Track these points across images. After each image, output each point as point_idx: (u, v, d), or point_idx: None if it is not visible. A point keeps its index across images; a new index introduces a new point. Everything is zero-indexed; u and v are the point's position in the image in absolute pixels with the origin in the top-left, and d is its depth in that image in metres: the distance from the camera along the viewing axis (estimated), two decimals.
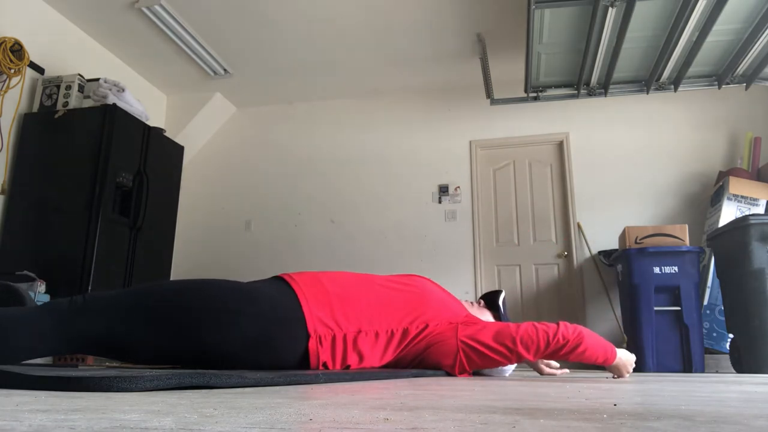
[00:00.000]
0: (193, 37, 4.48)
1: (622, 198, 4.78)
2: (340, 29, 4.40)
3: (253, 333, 1.38)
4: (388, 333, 1.61)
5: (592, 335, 1.71)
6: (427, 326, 1.67)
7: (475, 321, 1.75)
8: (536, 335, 1.64)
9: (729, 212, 4.06)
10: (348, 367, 1.56)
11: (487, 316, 1.98)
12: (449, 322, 1.71)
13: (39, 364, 1.64)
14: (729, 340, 3.62)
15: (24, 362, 1.42)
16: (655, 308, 3.54)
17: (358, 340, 1.55)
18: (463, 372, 1.72)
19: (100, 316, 1.29)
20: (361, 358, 1.57)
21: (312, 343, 1.46)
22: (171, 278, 4.35)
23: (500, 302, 2.01)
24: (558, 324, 1.68)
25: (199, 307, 1.34)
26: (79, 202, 3.64)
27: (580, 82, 4.14)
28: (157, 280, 3.97)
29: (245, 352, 1.38)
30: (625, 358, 1.80)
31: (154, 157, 4.14)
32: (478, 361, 1.69)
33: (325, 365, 1.50)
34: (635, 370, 3.59)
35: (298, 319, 1.45)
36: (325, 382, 1.21)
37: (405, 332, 1.64)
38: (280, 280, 1.55)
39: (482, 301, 2.08)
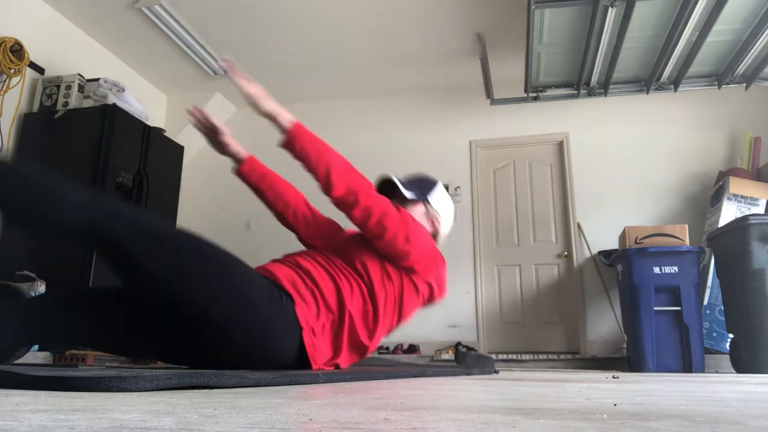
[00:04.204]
0: (193, 37, 4.48)
1: (622, 198, 4.78)
2: (340, 29, 4.40)
3: (254, 329, 1.38)
4: (363, 310, 1.57)
5: (308, 147, 1.54)
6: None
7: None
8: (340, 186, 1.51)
9: (729, 212, 4.06)
10: (338, 365, 1.55)
11: (415, 208, 1.81)
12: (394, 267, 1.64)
13: (39, 364, 1.64)
14: (729, 340, 3.62)
15: (24, 361, 1.42)
16: (655, 308, 3.54)
17: (344, 326, 1.52)
18: (440, 289, 1.69)
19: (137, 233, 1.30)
20: (350, 347, 1.56)
21: (306, 336, 1.45)
22: None
23: (396, 182, 1.79)
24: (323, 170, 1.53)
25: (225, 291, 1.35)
26: None
27: (580, 82, 4.14)
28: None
29: (242, 351, 1.38)
30: (264, 101, 1.55)
31: (154, 157, 4.13)
32: (418, 260, 1.60)
33: (317, 348, 1.48)
34: (635, 369, 3.59)
35: (292, 316, 1.44)
36: (325, 382, 1.21)
37: (375, 305, 1.59)
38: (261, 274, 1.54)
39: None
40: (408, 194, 1.76)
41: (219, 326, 1.34)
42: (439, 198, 1.82)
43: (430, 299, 1.72)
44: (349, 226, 1.77)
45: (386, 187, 1.79)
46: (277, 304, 1.41)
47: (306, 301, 1.47)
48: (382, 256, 1.60)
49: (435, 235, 1.79)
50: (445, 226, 1.84)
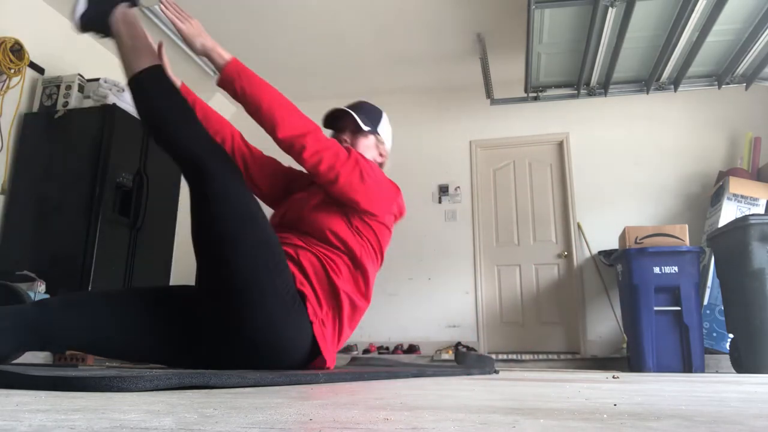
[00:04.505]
0: None
1: (622, 198, 4.78)
2: (340, 29, 4.40)
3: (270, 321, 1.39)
4: (354, 290, 1.58)
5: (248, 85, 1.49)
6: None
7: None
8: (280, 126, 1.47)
9: (729, 212, 4.06)
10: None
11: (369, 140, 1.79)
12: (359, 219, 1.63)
13: (39, 364, 1.64)
14: (729, 340, 3.62)
15: (24, 361, 1.42)
16: (655, 308, 3.54)
17: (343, 309, 1.54)
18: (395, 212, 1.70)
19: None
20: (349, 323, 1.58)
21: (317, 329, 1.46)
22: (171, 278, 4.36)
23: (354, 115, 1.75)
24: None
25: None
26: (79, 202, 3.64)
27: (580, 82, 4.14)
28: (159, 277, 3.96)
29: (260, 348, 1.39)
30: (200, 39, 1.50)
31: (154, 157, 4.13)
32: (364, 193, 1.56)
33: (327, 338, 1.50)
34: (635, 370, 3.59)
35: (303, 311, 1.45)
36: (325, 382, 1.21)
37: (363, 271, 1.60)
38: None
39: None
40: (365, 127, 1.74)
41: (250, 317, 1.36)
42: (385, 127, 1.84)
43: (396, 222, 1.75)
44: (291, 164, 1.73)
45: (334, 117, 1.78)
46: (296, 302, 1.43)
47: (310, 293, 1.49)
48: (340, 205, 1.56)
49: (382, 165, 1.81)
50: (388, 152, 1.85)
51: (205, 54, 1.49)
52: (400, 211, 1.72)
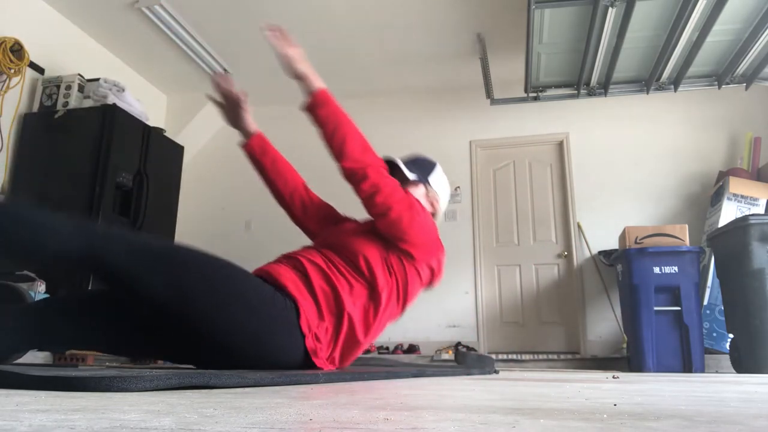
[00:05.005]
0: (193, 37, 4.47)
1: (622, 198, 4.77)
2: (339, 29, 4.40)
3: (253, 326, 1.37)
4: (363, 309, 1.56)
5: (327, 117, 1.58)
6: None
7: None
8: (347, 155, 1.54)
9: (729, 212, 4.05)
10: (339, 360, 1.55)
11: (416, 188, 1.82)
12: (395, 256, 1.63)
13: (39, 364, 1.64)
14: (729, 340, 3.62)
15: (24, 361, 1.42)
16: (655, 308, 3.54)
17: (342, 329, 1.51)
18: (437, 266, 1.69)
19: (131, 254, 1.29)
20: (350, 347, 1.56)
21: (309, 342, 1.45)
22: None
23: (399, 163, 1.81)
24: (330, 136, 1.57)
25: (225, 293, 1.35)
26: (79, 202, 3.64)
27: (580, 82, 4.14)
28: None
29: (246, 345, 1.37)
30: (298, 64, 1.60)
31: (154, 157, 4.13)
32: (414, 238, 1.61)
33: (321, 352, 1.48)
34: (635, 370, 3.59)
35: (295, 324, 1.43)
36: (325, 382, 1.21)
37: (376, 302, 1.58)
38: (264, 278, 1.51)
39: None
40: (411, 176, 1.78)
41: (224, 336, 1.34)
42: (438, 179, 1.87)
43: (430, 283, 1.73)
44: (348, 212, 1.79)
45: (388, 168, 1.79)
46: (280, 311, 1.40)
47: (308, 305, 1.46)
48: (383, 239, 1.60)
49: (434, 215, 1.84)
50: (443, 207, 1.89)
51: (300, 78, 1.60)
52: (439, 268, 1.71)
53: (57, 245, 1.25)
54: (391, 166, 1.79)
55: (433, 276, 1.71)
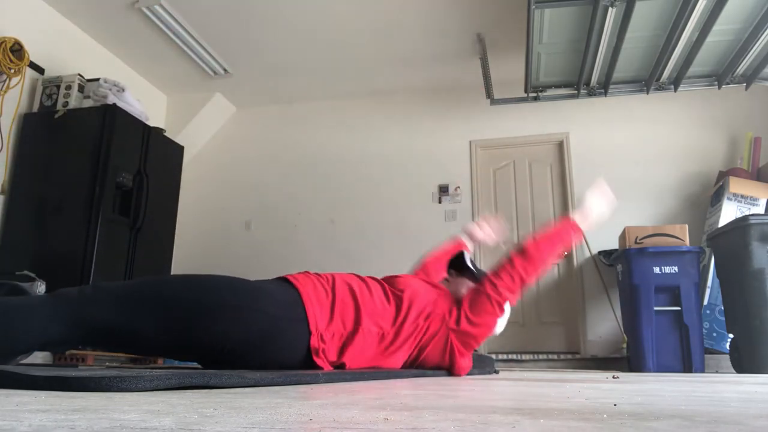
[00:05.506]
0: (193, 37, 4.47)
1: (622, 198, 4.74)
2: (340, 29, 4.40)
3: (256, 329, 1.41)
4: (380, 333, 1.61)
5: (547, 238, 1.81)
6: (417, 328, 1.67)
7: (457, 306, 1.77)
8: (512, 282, 1.73)
9: (729, 212, 4.05)
10: (343, 365, 1.56)
11: (465, 283, 1.90)
12: (440, 319, 1.71)
13: (39, 364, 1.64)
14: (729, 340, 3.62)
15: (24, 361, 1.42)
16: (655, 308, 3.54)
17: (355, 338, 1.55)
18: (464, 357, 1.74)
19: (108, 305, 1.32)
20: (356, 355, 1.57)
21: (314, 341, 1.47)
22: None
23: (468, 263, 1.95)
24: (514, 257, 1.76)
25: (205, 301, 1.37)
26: (79, 202, 3.64)
27: (580, 82, 4.14)
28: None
29: (249, 348, 1.41)
30: (590, 211, 1.91)
31: (154, 157, 4.13)
32: (474, 338, 1.74)
33: (324, 352, 1.50)
34: (635, 370, 3.59)
35: (302, 319, 1.46)
36: (325, 382, 1.21)
37: (397, 333, 1.63)
38: (284, 281, 1.58)
39: (453, 272, 2.00)
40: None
41: (234, 344, 1.39)
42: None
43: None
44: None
45: (458, 260, 2.00)
46: (285, 306, 1.45)
47: (316, 302, 1.50)
48: (446, 297, 1.75)
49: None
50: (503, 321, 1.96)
51: (586, 212, 1.93)
52: (461, 353, 1.78)
53: (35, 339, 1.28)
54: (461, 265, 1.98)
55: (456, 361, 1.78)
